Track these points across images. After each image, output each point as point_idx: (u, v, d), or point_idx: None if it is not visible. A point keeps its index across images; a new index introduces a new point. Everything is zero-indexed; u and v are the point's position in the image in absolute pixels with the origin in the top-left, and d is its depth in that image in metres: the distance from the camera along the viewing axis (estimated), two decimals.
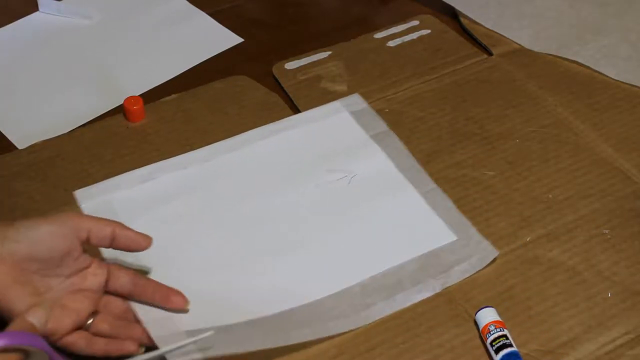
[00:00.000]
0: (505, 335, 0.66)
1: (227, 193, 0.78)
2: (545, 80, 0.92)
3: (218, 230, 0.75)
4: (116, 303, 0.67)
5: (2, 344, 0.52)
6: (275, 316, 0.68)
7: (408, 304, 0.69)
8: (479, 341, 0.67)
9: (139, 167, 0.82)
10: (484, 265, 0.72)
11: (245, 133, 0.84)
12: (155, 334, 0.64)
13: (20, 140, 0.86)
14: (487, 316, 0.67)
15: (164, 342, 0.63)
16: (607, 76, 0.92)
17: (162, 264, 0.68)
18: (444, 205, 0.77)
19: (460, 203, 0.78)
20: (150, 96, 0.90)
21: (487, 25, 0.99)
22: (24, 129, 0.88)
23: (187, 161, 0.81)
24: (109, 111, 0.90)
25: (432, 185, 0.78)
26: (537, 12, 1.02)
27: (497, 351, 0.65)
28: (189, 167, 0.81)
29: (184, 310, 0.66)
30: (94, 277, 0.66)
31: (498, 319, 0.67)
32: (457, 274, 0.71)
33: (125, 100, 0.87)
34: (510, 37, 0.97)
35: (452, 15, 1.02)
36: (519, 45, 0.97)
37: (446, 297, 0.70)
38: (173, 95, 0.91)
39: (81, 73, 0.95)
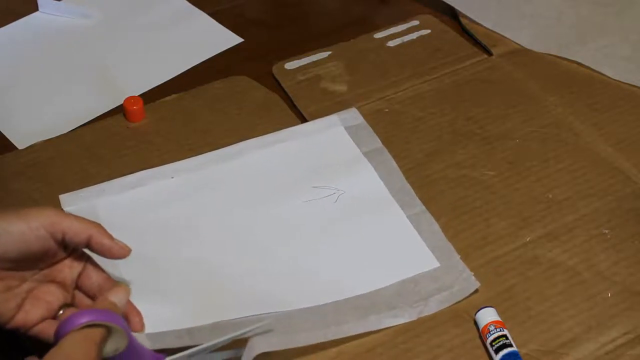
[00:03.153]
0: (505, 335, 0.66)
1: (213, 204, 0.77)
2: (545, 80, 0.92)
3: (200, 241, 0.74)
4: (87, 299, 0.65)
5: (87, 320, 0.53)
6: (241, 320, 0.67)
7: (381, 327, 0.68)
8: (479, 341, 0.67)
9: (139, 167, 0.82)
10: (464, 296, 0.69)
11: (237, 144, 0.83)
12: None
13: (20, 140, 0.86)
14: (487, 316, 0.67)
15: None
16: (607, 76, 0.92)
17: (139, 271, 0.67)
18: (431, 230, 0.75)
19: (460, 203, 0.78)
20: (150, 96, 0.90)
21: (487, 25, 0.99)
22: (24, 129, 0.88)
23: (176, 170, 0.81)
24: (109, 111, 0.90)
25: (420, 207, 0.77)
26: (537, 12, 1.02)
27: (497, 351, 0.65)
28: (177, 176, 0.80)
29: (139, 331, 0.65)
30: (70, 269, 0.64)
31: (498, 319, 0.67)
32: (435, 304, 0.69)
33: (125, 100, 0.87)
34: (510, 37, 0.97)
35: (452, 15, 1.02)
36: (519, 45, 0.97)
37: None
38: (173, 95, 0.91)
39: (81, 73, 0.95)
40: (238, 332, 0.64)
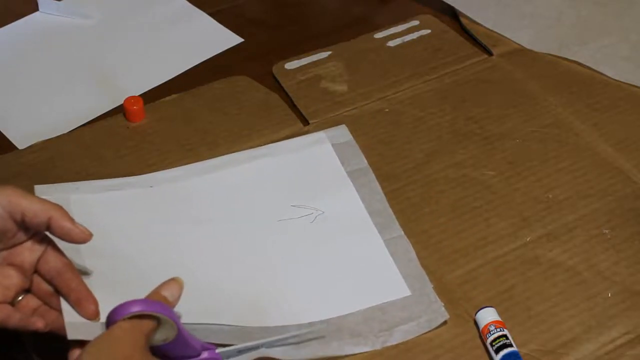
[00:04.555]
0: (505, 335, 0.66)
1: (186, 216, 0.76)
2: (545, 80, 0.92)
3: (168, 248, 0.73)
4: (45, 284, 0.64)
5: (138, 309, 0.54)
6: (207, 326, 0.65)
7: (341, 354, 0.66)
8: (479, 341, 0.67)
9: (139, 167, 0.82)
10: (432, 328, 0.68)
11: (221, 157, 0.82)
12: (68, 319, 0.62)
13: (20, 140, 0.86)
14: (487, 316, 0.67)
15: (74, 330, 0.61)
16: (607, 76, 0.92)
17: (102, 261, 0.66)
18: (406, 256, 0.73)
19: (460, 203, 0.78)
20: (150, 96, 0.90)
21: (487, 25, 0.99)
22: (24, 129, 0.88)
23: (156, 180, 0.80)
24: (109, 111, 0.90)
25: (398, 232, 0.75)
26: (537, 12, 1.02)
27: (497, 351, 0.65)
28: (156, 185, 0.79)
29: (93, 319, 0.63)
30: (30, 252, 0.63)
31: (498, 319, 0.67)
32: (401, 334, 0.67)
33: (125, 100, 0.87)
34: (510, 37, 0.97)
35: (452, 15, 1.02)
36: (519, 45, 0.97)
37: (446, 297, 0.70)
38: (173, 95, 0.91)
39: (81, 73, 0.95)
40: (290, 334, 0.65)
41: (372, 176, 0.80)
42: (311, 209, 0.77)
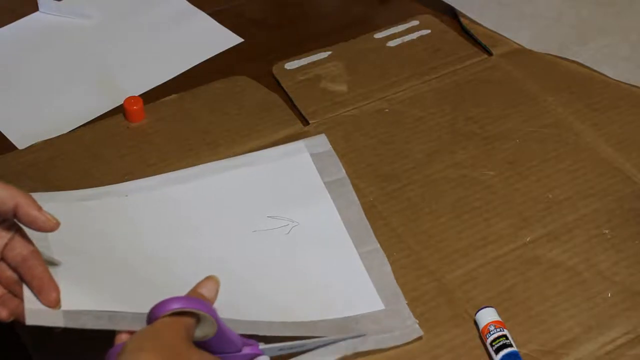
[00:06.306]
0: (505, 335, 0.66)
1: (160, 225, 0.75)
2: (545, 80, 0.92)
3: (137, 253, 0.72)
4: (10, 272, 0.63)
5: (178, 307, 0.56)
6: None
7: (312, 347, 0.66)
8: (479, 341, 0.67)
9: (139, 167, 0.82)
10: (405, 342, 0.67)
11: (198, 166, 0.81)
12: (28, 306, 0.61)
13: (20, 140, 0.86)
14: (487, 316, 0.67)
15: (34, 317, 0.60)
16: (607, 76, 0.92)
17: (68, 252, 0.66)
18: (381, 270, 0.72)
19: (460, 203, 0.78)
20: (150, 96, 0.90)
21: (487, 25, 0.99)
22: (24, 129, 0.88)
23: (132, 189, 0.79)
24: (109, 111, 0.90)
25: (374, 245, 0.74)
26: (537, 12, 1.02)
27: (497, 351, 0.65)
28: (131, 194, 0.78)
29: (53, 307, 0.62)
30: None
31: (498, 319, 0.67)
32: (373, 343, 0.67)
33: (125, 100, 0.87)
34: (510, 37, 0.97)
35: (452, 15, 1.02)
36: (519, 45, 0.97)
37: (446, 297, 0.71)
38: (173, 95, 0.91)
39: (81, 73, 0.95)
40: (332, 337, 0.65)
41: (350, 187, 0.80)
42: (287, 220, 0.76)
